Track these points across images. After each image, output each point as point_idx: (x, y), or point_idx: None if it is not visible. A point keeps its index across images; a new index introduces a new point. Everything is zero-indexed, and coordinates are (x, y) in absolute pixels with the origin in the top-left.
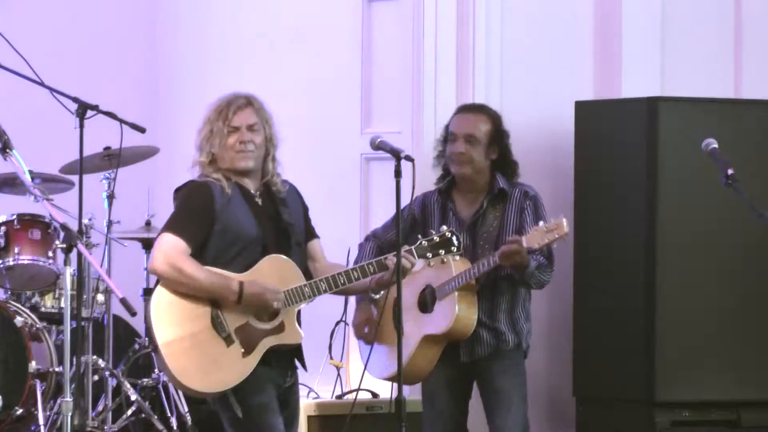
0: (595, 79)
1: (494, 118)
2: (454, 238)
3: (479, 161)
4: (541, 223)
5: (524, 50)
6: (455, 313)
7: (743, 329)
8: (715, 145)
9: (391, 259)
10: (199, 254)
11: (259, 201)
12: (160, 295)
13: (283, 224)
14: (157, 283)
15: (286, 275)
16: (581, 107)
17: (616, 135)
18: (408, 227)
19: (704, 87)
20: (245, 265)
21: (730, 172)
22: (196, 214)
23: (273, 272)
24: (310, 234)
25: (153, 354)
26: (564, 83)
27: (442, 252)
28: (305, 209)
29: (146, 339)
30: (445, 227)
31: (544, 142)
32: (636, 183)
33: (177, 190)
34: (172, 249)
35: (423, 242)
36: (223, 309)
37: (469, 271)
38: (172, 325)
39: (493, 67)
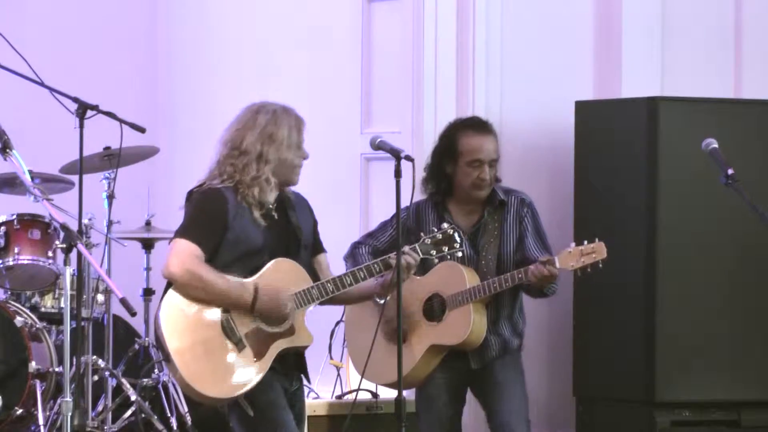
0: (595, 79)
1: (496, 133)
2: (456, 234)
3: (494, 181)
4: (573, 244)
5: (524, 50)
6: (471, 325)
7: (743, 329)
8: (715, 145)
9: (394, 257)
10: (210, 261)
11: (275, 214)
12: (170, 303)
13: (291, 227)
14: (168, 287)
15: (292, 278)
16: (581, 107)
17: (616, 135)
18: (402, 236)
19: (704, 87)
20: (250, 271)
21: (730, 172)
22: (211, 221)
23: (279, 275)
24: (318, 248)
25: (164, 363)
26: (564, 83)
27: (445, 249)
28: (314, 222)
29: (145, 338)
30: (446, 224)
31: (544, 142)
32: (636, 183)
33: (190, 193)
34: (187, 254)
35: (426, 239)
36: (233, 314)
37: (489, 285)
38: (183, 333)
39: (493, 67)
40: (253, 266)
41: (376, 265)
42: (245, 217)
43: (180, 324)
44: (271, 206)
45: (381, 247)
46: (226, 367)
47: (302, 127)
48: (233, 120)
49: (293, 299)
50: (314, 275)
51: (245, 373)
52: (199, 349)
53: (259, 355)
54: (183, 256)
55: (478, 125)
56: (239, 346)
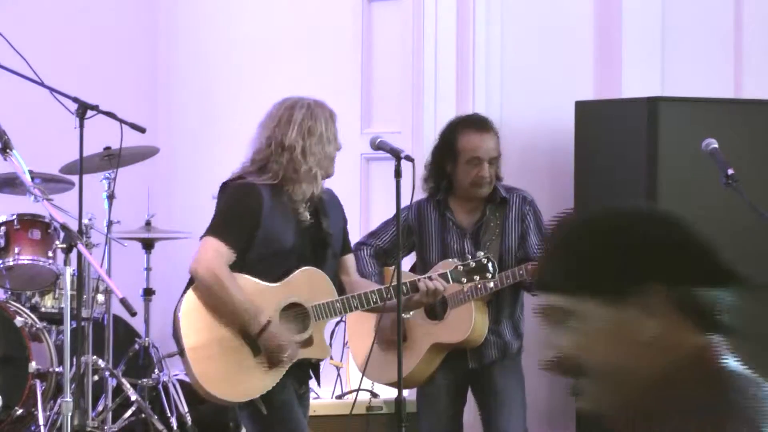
0: (595, 79)
1: (496, 131)
2: (490, 264)
3: (494, 179)
4: None
5: (524, 50)
6: (473, 323)
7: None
8: (715, 145)
9: (423, 281)
10: (239, 258)
11: (307, 212)
12: (191, 299)
13: (322, 233)
14: (190, 283)
15: (318, 288)
16: (581, 107)
17: (616, 135)
18: (403, 235)
19: (704, 87)
20: (279, 274)
21: (730, 172)
22: (244, 218)
23: (306, 284)
24: (346, 248)
25: (180, 358)
26: (564, 83)
27: (476, 278)
28: (344, 222)
29: (145, 338)
30: (481, 252)
31: (544, 142)
32: (636, 183)
33: (225, 185)
34: (217, 257)
35: (459, 267)
36: None
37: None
38: (200, 330)
39: (493, 67)
40: (282, 269)
41: (404, 286)
42: (279, 216)
43: (199, 321)
44: (304, 205)
45: (384, 246)
46: (239, 369)
47: (335, 119)
48: (266, 117)
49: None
50: (339, 282)
51: (258, 378)
52: (214, 348)
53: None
54: (212, 257)
55: (477, 123)
56: (255, 350)
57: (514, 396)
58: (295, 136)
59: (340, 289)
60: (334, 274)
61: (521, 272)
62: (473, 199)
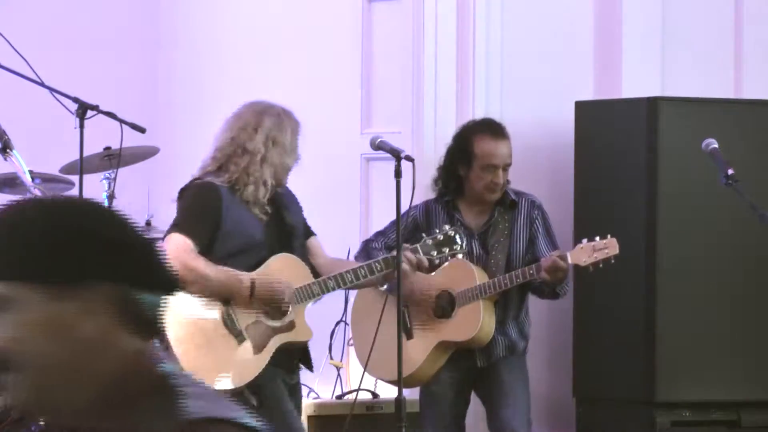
0: (595, 79)
1: (510, 137)
2: (457, 236)
3: (506, 184)
4: (585, 240)
5: (524, 50)
6: (480, 322)
7: (743, 329)
8: (715, 145)
9: (403, 253)
10: (206, 255)
11: (268, 208)
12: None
13: (287, 227)
14: None
15: (294, 273)
16: (581, 107)
17: (616, 135)
18: (410, 232)
19: (704, 87)
20: (250, 266)
21: (730, 172)
22: (204, 215)
23: (282, 270)
24: (308, 232)
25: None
26: (564, 83)
27: (446, 250)
28: (301, 209)
29: None
30: (447, 226)
31: (544, 142)
32: (636, 183)
33: (182, 190)
34: (181, 248)
35: (427, 240)
36: (234, 307)
37: (499, 281)
38: (184, 324)
39: (493, 67)
40: (254, 261)
41: (377, 264)
42: (241, 212)
43: (181, 315)
44: (263, 201)
45: (391, 243)
46: (225, 359)
47: (299, 130)
48: (233, 117)
49: (291, 288)
50: (311, 267)
51: (245, 365)
52: (199, 340)
53: (258, 348)
54: (177, 250)
55: (494, 129)
56: (239, 338)
57: (518, 389)
58: (258, 143)
59: (314, 273)
60: (305, 261)
61: (531, 271)
62: (483, 202)
